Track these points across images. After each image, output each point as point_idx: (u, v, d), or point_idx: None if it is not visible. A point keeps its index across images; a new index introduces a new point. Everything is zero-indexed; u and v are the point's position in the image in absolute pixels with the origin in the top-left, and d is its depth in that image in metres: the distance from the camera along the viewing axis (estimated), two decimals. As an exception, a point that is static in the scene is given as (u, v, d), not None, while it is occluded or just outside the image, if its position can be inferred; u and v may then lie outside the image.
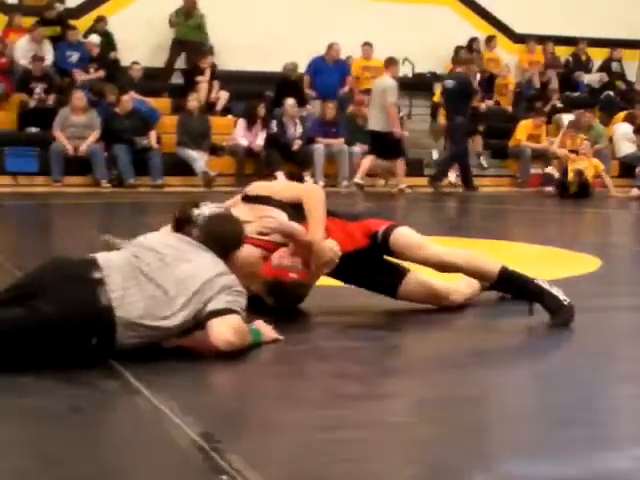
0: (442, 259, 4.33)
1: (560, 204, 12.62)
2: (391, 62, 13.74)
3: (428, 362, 3.67)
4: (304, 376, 3.44)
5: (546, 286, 4.16)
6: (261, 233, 4.21)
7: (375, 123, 13.44)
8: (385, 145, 13.35)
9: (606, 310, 4.71)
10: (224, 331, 3.41)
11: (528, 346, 4.11)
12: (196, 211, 3.71)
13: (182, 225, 3.71)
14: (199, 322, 3.45)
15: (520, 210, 11.97)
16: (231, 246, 3.69)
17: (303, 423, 2.81)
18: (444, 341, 4.09)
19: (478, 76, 15.54)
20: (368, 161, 13.75)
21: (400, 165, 13.75)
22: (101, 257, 3.42)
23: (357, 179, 13.73)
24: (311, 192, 4.43)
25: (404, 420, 2.88)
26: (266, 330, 3.72)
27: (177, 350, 3.51)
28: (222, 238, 3.65)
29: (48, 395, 3.03)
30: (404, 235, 4.38)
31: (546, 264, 6.13)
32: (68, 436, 2.67)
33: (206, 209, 3.75)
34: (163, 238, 3.64)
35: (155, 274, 3.40)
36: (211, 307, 3.42)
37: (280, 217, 4.33)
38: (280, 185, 4.59)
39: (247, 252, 4.26)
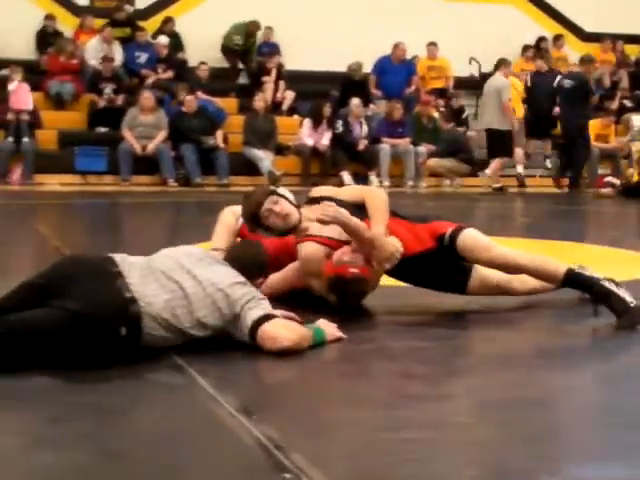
0: (507, 260, 4.31)
1: (626, 205, 12.41)
2: (503, 62, 14.02)
3: (493, 363, 3.64)
4: (369, 375, 3.43)
5: (613, 288, 4.11)
6: (321, 221, 4.23)
7: (491, 122, 13.64)
8: (500, 142, 13.53)
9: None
10: (278, 331, 3.45)
11: (595, 348, 4.05)
12: None
13: None
14: (235, 333, 3.51)
15: (587, 211, 11.82)
16: (250, 269, 3.69)
17: (367, 423, 2.81)
18: (510, 342, 4.05)
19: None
20: (498, 162, 13.77)
21: (497, 164, 13.73)
22: (117, 256, 3.48)
23: (494, 185, 13.65)
24: (373, 191, 4.53)
25: (468, 421, 2.85)
26: (329, 328, 3.72)
27: (241, 347, 3.53)
28: (242, 261, 3.68)
29: (111, 391, 3.06)
30: (471, 237, 4.37)
31: (612, 265, 6.03)
32: (131, 432, 2.70)
33: None
34: (182, 249, 3.71)
35: (172, 273, 3.46)
36: (252, 317, 3.46)
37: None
38: (343, 188, 4.69)
39: (312, 249, 4.31)
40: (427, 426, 2.78)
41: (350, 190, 4.62)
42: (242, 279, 3.58)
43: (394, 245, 4.25)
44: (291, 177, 13.58)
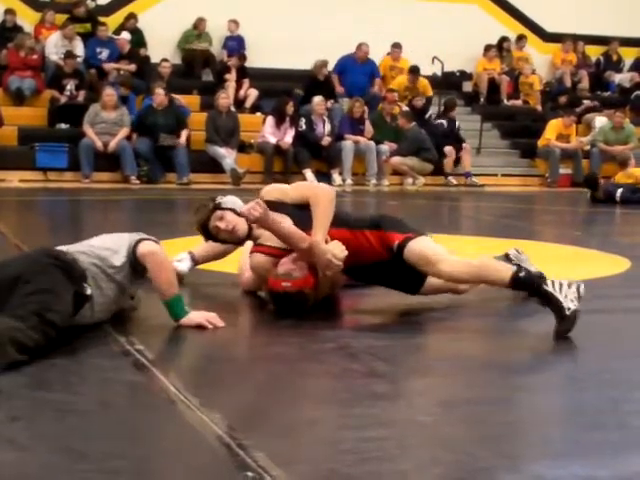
0: (452, 276, 4.30)
1: (589, 204, 12.51)
2: None
3: (456, 362, 3.65)
4: (332, 374, 3.43)
5: (555, 291, 3.99)
6: (246, 217, 4.21)
7: None
8: None
9: (636, 311, 4.67)
10: (146, 246, 3.81)
11: (557, 348, 4.07)
12: None
13: None
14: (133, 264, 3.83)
15: (549, 210, 11.91)
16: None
17: (330, 421, 2.81)
18: (473, 341, 4.07)
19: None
20: None
21: None
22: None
23: None
24: (318, 194, 4.35)
25: (432, 419, 2.86)
26: (198, 315, 3.81)
27: (205, 346, 3.52)
28: None
29: (76, 390, 3.04)
30: (417, 250, 4.31)
31: (575, 264, 6.09)
32: (96, 431, 2.68)
33: None
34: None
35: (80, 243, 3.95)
36: (134, 238, 3.87)
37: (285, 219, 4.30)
38: (292, 186, 4.56)
39: (256, 262, 4.34)
40: (390, 424, 2.78)
41: (298, 190, 4.49)
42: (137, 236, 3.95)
43: (331, 252, 4.18)
44: (254, 175, 13.54)
